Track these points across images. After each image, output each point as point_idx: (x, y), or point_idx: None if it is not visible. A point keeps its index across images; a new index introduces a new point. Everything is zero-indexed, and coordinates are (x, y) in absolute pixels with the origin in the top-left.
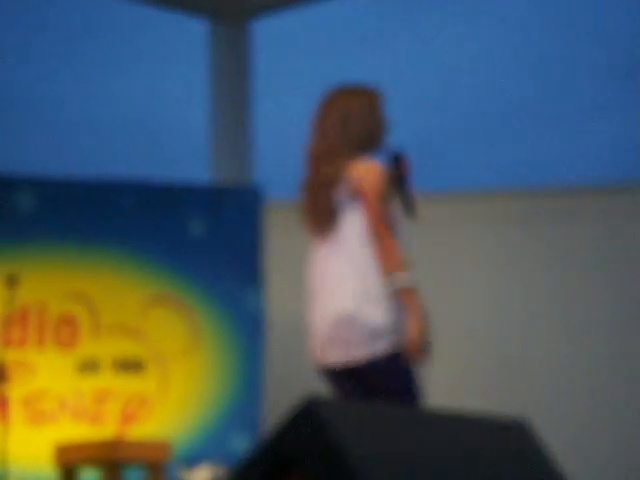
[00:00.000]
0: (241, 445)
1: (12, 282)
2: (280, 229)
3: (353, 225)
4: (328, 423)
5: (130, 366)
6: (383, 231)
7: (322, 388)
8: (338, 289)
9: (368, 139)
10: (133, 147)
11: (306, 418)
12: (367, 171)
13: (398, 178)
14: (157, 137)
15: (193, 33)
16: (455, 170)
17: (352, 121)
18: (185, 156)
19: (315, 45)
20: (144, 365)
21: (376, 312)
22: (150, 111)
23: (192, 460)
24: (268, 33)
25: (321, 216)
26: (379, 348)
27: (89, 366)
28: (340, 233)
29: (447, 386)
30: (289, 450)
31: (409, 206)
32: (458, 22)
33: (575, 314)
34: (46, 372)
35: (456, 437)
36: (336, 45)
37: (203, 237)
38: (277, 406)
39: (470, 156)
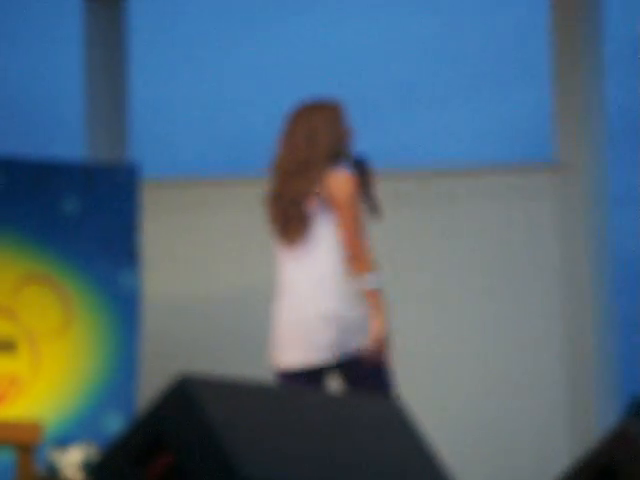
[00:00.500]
0: (116, 425)
1: None
2: (156, 208)
3: (327, 233)
4: (200, 401)
5: (1, 346)
6: (357, 236)
7: (197, 367)
8: (317, 291)
9: (335, 151)
10: (5, 124)
11: (179, 397)
12: (340, 181)
13: (363, 183)
14: (31, 114)
15: (67, 7)
16: None
17: (319, 135)
18: (60, 134)
19: (192, 23)
20: (15, 345)
21: (356, 311)
22: (24, 88)
23: (65, 441)
24: (145, 9)
25: (292, 227)
26: (362, 344)
27: None
28: (313, 241)
29: None
30: (161, 429)
31: (375, 207)
32: (342, 4)
33: (458, 292)
34: None
35: (330, 415)
36: (213, 25)
37: (77, 215)
38: (152, 386)
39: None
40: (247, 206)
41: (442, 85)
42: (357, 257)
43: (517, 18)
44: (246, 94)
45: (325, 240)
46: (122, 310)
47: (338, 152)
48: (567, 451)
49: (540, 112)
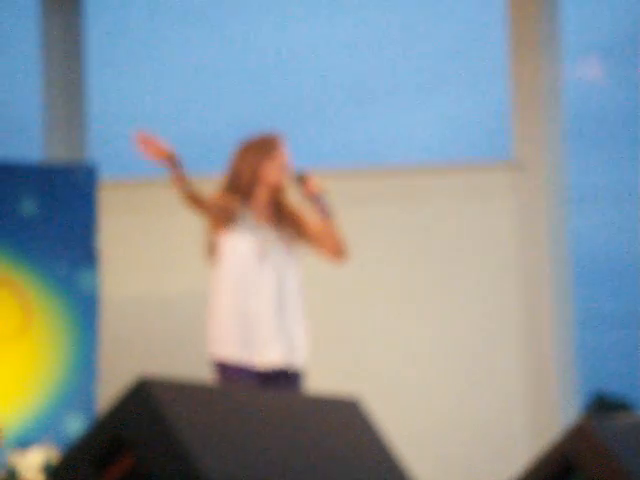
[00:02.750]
0: (76, 427)
1: None
2: (114, 208)
3: None
4: (160, 403)
5: None
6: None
7: (157, 369)
8: None
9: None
10: None
11: (138, 398)
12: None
13: (308, 195)
14: None
15: (24, 6)
16: (302, 150)
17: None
18: (17, 134)
19: (151, 21)
20: None
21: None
22: None
23: (25, 443)
24: (103, 6)
25: None
26: None
27: None
28: None
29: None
30: (121, 431)
31: (327, 212)
32: (300, 3)
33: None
34: None
35: (289, 416)
36: (170, 21)
37: (35, 216)
38: (112, 387)
39: (315, 136)
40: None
41: (400, 83)
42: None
43: (474, 15)
44: (204, 94)
45: None
46: (81, 311)
47: (233, 183)
48: (528, 448)
49: (497, 110)
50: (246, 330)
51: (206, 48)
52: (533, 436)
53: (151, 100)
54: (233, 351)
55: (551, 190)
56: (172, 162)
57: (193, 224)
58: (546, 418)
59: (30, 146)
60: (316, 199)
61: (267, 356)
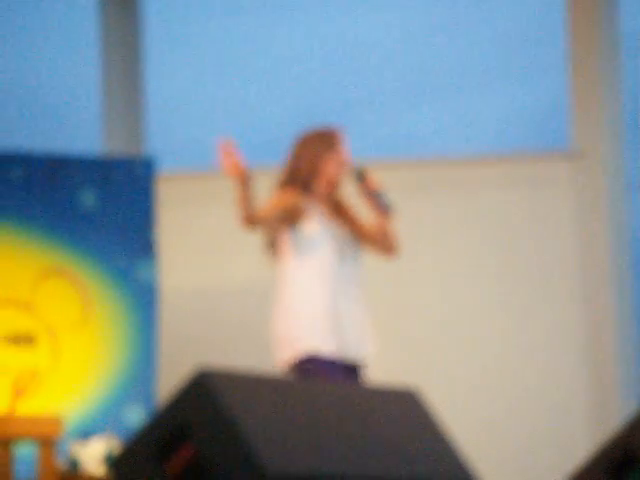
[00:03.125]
0: (136, 418)
1: None
2: (172, 201)
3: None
4: (220, 394)
5: (21, 340)
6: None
7: (216, 360)
8: None
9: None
10: (22, 118)
11: (198, 389)
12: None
13: (367, 191)
14: (47, 108)
15: (84, 2)
16: (357, 141)
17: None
18: (76, 127)
19: (210, 12)
20: (36, 339)
21: None
22: (41, 84)
23: (86, 434)
24: (162, 3)
25: None
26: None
27: None
28: None
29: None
30: (181, 422)
31: (386, 207)
32: None
33: (480, 280)
34: None
35: (348, 407)
36: (230, 12)
37: (95, 209)
38: (171, 379)
39: (370, 127)
40: (262, 197)
41: (457, 74)
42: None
43: (534, 5)
44: (259, 89)
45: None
46: (140, 302)
47: (293, 176)
48: (588, 442)
49: (557, 100)
50: (337, 325)
51: (263, 40)
52: (594, 430)
53: (209, 92)
54: (328, 346)
55: (611, 179)
56: (243, 180)
57: None
58: (607, 412)
59: (89, 139)
60: (376, 195)
61: (360, 350)
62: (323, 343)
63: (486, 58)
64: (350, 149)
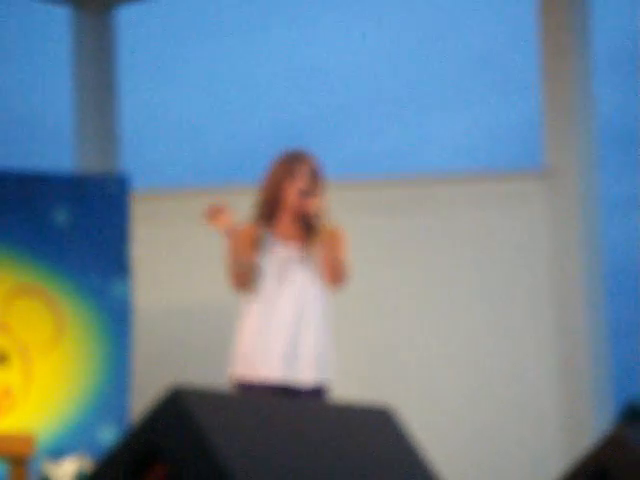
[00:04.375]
0: (109, 436)
1: None
2: (146, 218)
3: None
4: (193, 413)
5: None
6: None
7: (189, 378)
8: None
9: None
10: None
11: (171, 408)
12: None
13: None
14: (20, 125)
15: (56, 19)
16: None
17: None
18: (49, 145)
19: (182, 32)
20: (8, 357)
21: None
22: (12, 100)
23: (58, 453)
24: (132, 20)
25: None
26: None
27: None
28: None
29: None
30: (154, 440)
31: (313, 228)
32: (330, 14)
33: (443, 300)
34: None
35: (321, 425)
36: (202, 33)
37: (68, 226)
38: (145, 397)
39: (335, 146)
40: (238, 216)
41: (431, 93)
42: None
43: (504, 26)
44: (235, 105)
45: None
46: (114, 320)
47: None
48: (562, 456)
49: (529, 119)
50: (266, 349)
51: (237, 59)
52: (567, 445)
53: (183, 111)
54: (251, 370)
55: (584, 197)
56: (230, 234)
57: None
58: (580, 427)
59: (62, 157)
60: (311, 218)
61: (310, 374)
62: (249, 368)
63: (459, 77)
64: (317, 167)
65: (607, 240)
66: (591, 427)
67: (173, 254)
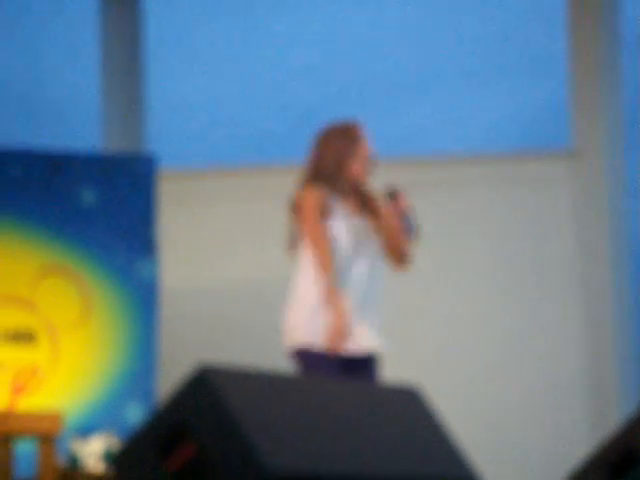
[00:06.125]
0: (136, 415)
1: None
2: (173, 198)
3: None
4: (221, 391)
5: (21, 337)
6: (314, 244)
7: (216, 357)
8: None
9: (314, 171)
10: (23, 115)
11: (199, 387)
12: (302, 197)
13: (396, 211)
14: (48, 105)
15: (84, 3)
16: None
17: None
18: (77, 125)
19: (209, 13)
20: (35, 336)
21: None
22: (42, 82)
23: (85, 431)
24: (159, 2)
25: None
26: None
27: None
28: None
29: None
30: (182, 419)
31: (413, 231)
32: None
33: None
34: None
35: (349, 403)
36: (229, 13)
37: (95, 206)
38: (172, 376)
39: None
40: (264, 196)
41: (457, 73)
42: (314, 260)
43: (533, 6)
44: (260, 87)
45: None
46: (141, 300)
47: (318, 172)
48: (588, 440)
49: (556, 99)
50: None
51: (264, 40)
52: (594, 429)
53: (210, 90)
54: (318, 338)
55: (610, 178)
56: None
57: (250, 214)
58: (606, 412)
59: (90, 136)
60: (404, 216)
61: (356, 343)
62: (317, 336)
63: (485, 57)
64: (373, 143)
65: (633, 222)
66: (617, 410)
67: (199, 234)
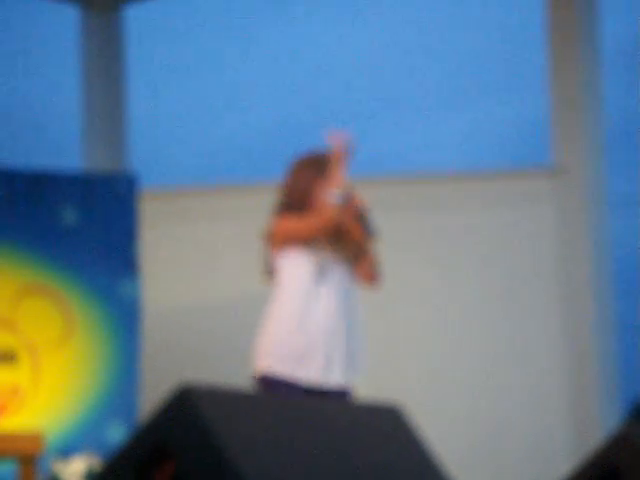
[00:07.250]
0: (117, 435)
1: None
2: (154, 217)
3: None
4: (202, 411)
5: (2, 357)
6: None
7: (197, 376)
8: None
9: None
10: (3, 134)
11: (180, 406)
12: (272, 225)
13: (354, 213)
14: (29, 125)
15: (64, 18)
16: None
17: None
18: (58, 144)
19: (190, 30)
20: (16, 356)
21: None
22: (21, 100)
23: (67, 451)
24: (142, 19)
25: None
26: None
27: None
28: None
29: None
30: (163, 439)
31: (370, 231)
32: (325, 13)
33: (453, 300)
34: None
35: (331, 423)
36: (209, 30)
37: (77, 226)
38: (153, 396)
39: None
40: (245, 214)
41: (440, 92)
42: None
43: (513, 24)
44: (243, 103)
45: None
46: (122, 320)
47: (288, 201)
48: (570, 455)
49: (538, 117)
50: (300, 348)
51: (244, 57)
52: (575, 444)
53: (190, 110)
54: (285, 367)
55: (592, 195)
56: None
57: (232, 233)
58: (587, 426)
59: (71, 156)
60: (360, 218)
61: (328, 376)
62: (281, 364)
63: (467, 75)
64: (347, 170)
65: (615, 237)
66: (598, 425)
67: (181, 253)
